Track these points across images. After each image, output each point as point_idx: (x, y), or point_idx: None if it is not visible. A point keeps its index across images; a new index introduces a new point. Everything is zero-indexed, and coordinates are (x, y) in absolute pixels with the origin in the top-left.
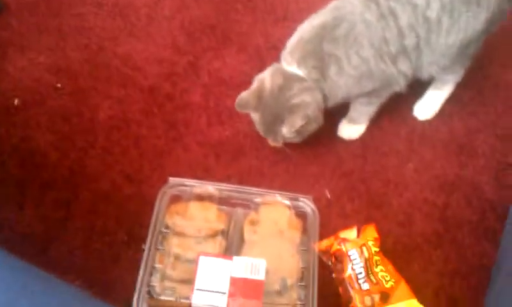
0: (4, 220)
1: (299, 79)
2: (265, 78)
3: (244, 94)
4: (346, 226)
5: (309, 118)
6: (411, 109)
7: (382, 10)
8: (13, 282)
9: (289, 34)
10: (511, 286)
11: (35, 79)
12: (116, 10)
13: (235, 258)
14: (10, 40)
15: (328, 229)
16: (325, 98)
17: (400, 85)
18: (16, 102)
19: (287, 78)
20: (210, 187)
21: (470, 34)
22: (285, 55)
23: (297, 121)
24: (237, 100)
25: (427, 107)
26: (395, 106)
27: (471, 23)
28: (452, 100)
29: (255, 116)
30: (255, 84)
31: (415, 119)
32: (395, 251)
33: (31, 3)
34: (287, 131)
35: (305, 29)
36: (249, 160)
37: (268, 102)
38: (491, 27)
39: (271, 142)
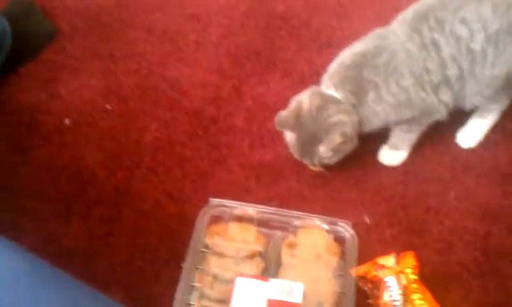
0: (51, 234)
1: (336, 101)
2: (303, 99)
3: (283, 113)
4: (385, 252)
5: (346, 136)
6: (454, 136)
7: (425, 41)
8: (64, 297)
9: (332, 61)
10: None
11: (86, 101)
12: (165, 36)
13: (271, 280)
14: (63, 64)
15: (366, 254)
16: (360, 122)
17: (441, 114)
18: (67, 121)
19: (325, 99)
20: (249, 209)
21: None
22: (324, 79)
23: (336, 139)
24: (276, 118)
25: (470, 135)
26: (438, 133)
27: None
28: (496, 128)
29: (291, 137)
30: (292, 104)
31: (458, 146)
32: (433, 279)
33: (84, 28)
34: (324, 150)
35: (346, 55)
36: (289, 183)
37: (305, 121)
38: None
39: (310, 166)
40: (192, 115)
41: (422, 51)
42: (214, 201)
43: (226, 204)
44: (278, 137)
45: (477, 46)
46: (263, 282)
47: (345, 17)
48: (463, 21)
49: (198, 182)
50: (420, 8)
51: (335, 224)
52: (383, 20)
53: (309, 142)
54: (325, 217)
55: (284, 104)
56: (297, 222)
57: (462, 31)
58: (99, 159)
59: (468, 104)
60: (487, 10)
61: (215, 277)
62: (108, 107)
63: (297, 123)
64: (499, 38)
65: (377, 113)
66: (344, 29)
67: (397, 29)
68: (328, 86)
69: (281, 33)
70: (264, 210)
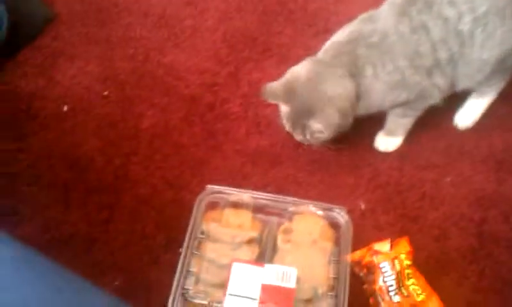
0: (51, 219)
1: (334, 71)
2: (298, 69)
3: (273, 84)
4: (380, 238)
5: (344, 112)
6: (449, 123)
7: (414, 24)
8: (48, 281)
9: None
10: None
11: (84, 87)
12: (162, 21)
13: (267, 265)
14: (61, 50)
15: (361, 240)
16: (358, 97)
17: (435, 98)
18: (65, 108)
19: (323, 66)
20: (245, 195)
21: (506, 48)
22: (319, 54)
23: (334, 116)
24: (264, 89)
25: (468, 115)
26: (433, 119)
27: (507, 37)
28: (491, 115)
29: (284, 108)
30: (287, 75)
31: (453, 133)
32: (428, 265)
33: (81, 13)
34: (318, 125)
35: (339, 34)
36: (286, 169)
37: (300, 91)
38: None
39: (303, 140)
40: (188, 101)
41: (413, 34)
42: (211, 187)
43: (222, 190)
44: (275, 123)
45: (465, 28)
46: (258, 267)
47: (341, 2)
48: (451, 2)
49: (195, 169)
50: None
51: (330, 210)
52: (380, 3)
53: (303, 114)
54: (320, 203)
55: None
56: (292, 208)
57: (450, 13)
58: (97, 146)
59: (461, 87)
60: None
61: (211, 262)
62: (105, 93)
63: (291, 93)
64: (488, 20)
65: (375, 90)
66: (340, 13)
67: (387, 12)
68: (325, 58)
69: (278, 18)
70: (259, 196)
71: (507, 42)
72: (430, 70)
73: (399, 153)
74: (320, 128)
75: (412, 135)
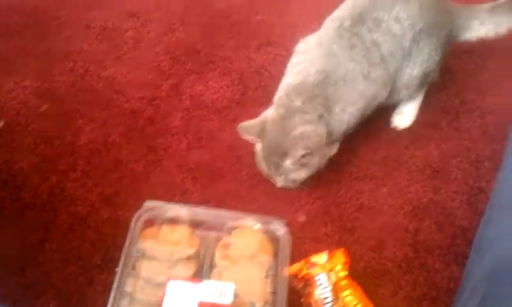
0: None
1: (302, 112)
2: (268, 111)
3: (246, 122)
4: (318, 250)
5: (311, 150)
6: (387, 135)
7: (366, 44)
8: None
9: (272, 60)
10: None
11: (20, 102)
12: (103, 33)
13: (203, 282)
14: None
15: (300, 253)
16: (329, 133)
17: (383, 96)
18: (1, 123)
19: (290, 110)
20: (182, 211)
21: (429, 65)
22: (290, 93)
23: (298, 152)
24: (240, 125)
25: (405, 116)
26: (372, 132)
27: (432, 55)
28: (428, 125)
29: (258, 146)
30: (260, 117)
31: (390, 144)
32: (365, 276)
33: (19, 26)
34: (289, 163)
35: (310, 72)
36: (227, 183)
37: (270, 132)
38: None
39: (278, 182)
40: (129, 115)
41: (366, 54)
42: (148, 203)
43: (160, 207)
44: (216, 137)
45: (407, 44)
46: (195, 284)
47: (285, 14)
48: (397, 19)
49: (134, 185)
50: (354, 11)
51: (269, 223)
52: (322, 15)
53: (274, 153)
54: (259, 216)
55: (223, 103)
56: (231, 223)
57: (396, 29)
58: (33, 162)
59: (395, 99)
60: (414, 8)
61: (147, 281)
62: (43, 108)
63: (262, 132)
64: (420, 38)
65: (343, 121)
66: (284, 25)
67: (338, 38)
68: (294, 100)
69: (222, 31)
70: (197, 211)
71: (431, 59)
72: (384, 79)
73: (337, 165)
74: (293, 167)
75: (350, 148)
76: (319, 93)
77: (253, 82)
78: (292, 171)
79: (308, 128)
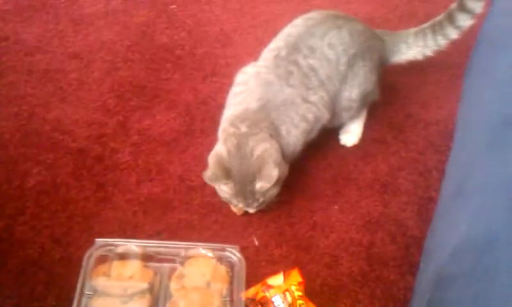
0: None
1: (253, 134)
2: (218, 149)
3: (208, 171)
4: (274, 272)
5: (277, 164)
6: (335, 153)
7: (304, 70)
8: None
9: (218, 89)
10: None
11: None
12: (47, 76)
13: None
14: None
15: (256, 276)
16: (282, 151)
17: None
18: None
19: (242, 136)
20: (133, 245)
21: (366, 87)
22: (234, 122)
23: (273, 172)
24: (205, 177)
25: (351, 133)
26: (321, 152)
27: (368, 77)
28: (375, 141)
29: (227, 187)
30: (211, 160)
31: (339, 163)
32: (322, 293)
33: None
34: (263, 185)
35: (249, 101)
36: (178, 214)
37: (234, 165)
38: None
39: (252, 210)
40: (76, 155)
41: (304, 79)
42: (99, 241)
43: (111, 243)
44: (166, 170)
45: (342, 68)
46: None
47: (228, 45)
48: (330, 45)
49: (84, 223)
50: (290, 40)
51: (222, 250)
52: (264, 44)
53: (246, 182)
54: (212, 244)
55: (171, 135)
56: (184, 253)
57: (330, 54)
58: None
59: (336, 123)
60: (345, 35)
61: None
62: None
63: (225, 171)
64: (355, 61)
65: (289, 143)
66: (228, 57)
67: (275, 68)
68: (240, 128)
69: (166, 65)
70: (149, 244)
71: (368, 81)
72: (325, 103)
73: (289, 186)
74: (266, 186)
75: (300, 168)
76: (263, 117)
77: (200, 113)
78: (268, 190)
79: (266, 145)
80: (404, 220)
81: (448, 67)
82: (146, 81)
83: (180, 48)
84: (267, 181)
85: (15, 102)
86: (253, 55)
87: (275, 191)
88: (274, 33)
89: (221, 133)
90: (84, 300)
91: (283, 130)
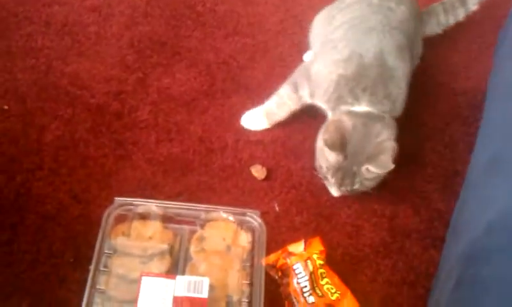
0: None
1: (379, 117)
2: (342, 119)
3: (329, 135)
4: (295, 239)
5: (393, 158)
6: None
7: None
8: None
9: (239, 49)
10: (445, 293)
11: None
12: (65, 29)
13: (178, 277)
14: None
15: (277, 243)
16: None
17: None
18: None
19: (367, 115)
20: (153, 206)
21: None
22: (354, 90)
23: (389, 163)
24: (325, 140)
25: None
26: None
27: None
28: None
29: (334, 158)
30: (332, 124)
31: None
32: (343, 263)
33: None
34: (373, 170)
35: (342, 70)
36: (198, 176)
37: (353, 140)
38: None
39: (339, 194)
40: (95, 111)
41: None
42: (119, 200)
43: (131, 202)
44: (186, 130)
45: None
46: (169, 280)
47: (250, 3)
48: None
49: (103, 181)
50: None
51: (243, 214)
52: (288, 4)
53: (355, 162)
54: (233, 208)
55: (190, 95)
56: (204, 216)
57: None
58: None
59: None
60: None
61: (121, 278)
62: (5, 107)
63: (344, 143)
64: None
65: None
66: (250, 15)
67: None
68: (357, 102)
69: (187, 21)
70: (169, 205)
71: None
72: None
73: (310, 152)
74: (374, 172)
75: None
76: (380, 80)
77: (220, 73)
78: (369, 180)
79: (392, 136)
80: (428, 192)
81: (478, 36)
82: (166, 38)
83: (201, 5)
84: (380, 168)
85: (32, 54)
86: (276, 15)
87: (373, 183)
88: None
89: (334, 101)
90: (103, 259)
91: (392, 87)
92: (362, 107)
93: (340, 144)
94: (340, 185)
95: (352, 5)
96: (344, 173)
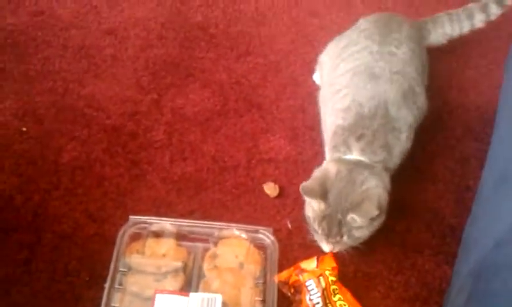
0: None
1: (368, 166)
2: (328, 167)
3: (307, 182)
4: (307, 256)
5: (382, 209)
6: None
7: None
8: None
9: (252, 69)
10: None
11: (1, 124)
12: (82, 52)
13: (191, 294)
14: None
15: (289, 260)
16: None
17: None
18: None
19: (355, 163)
20: (167, 224)
21: None
22: (347, 140)
23: (373, 210)
24: (301, 187)
25: None
26: None
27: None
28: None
29: (317, 206)
30: (316, 174)
31: None
32: (356, 279)
33: None
34: (357, 219)
35: (341, 121)
36: (211, 194)
37: (335, 188)
38: None
39: (329, 248)
40: (110, 132)
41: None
42: (134, 218)
43: (145, 220)
44: (199, 149)
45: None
46: (183, 297)
47: (262, 24)
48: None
49: (118, 200)
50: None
51: (256, 232)
52: (299, 24)
53: (339, 210)
54: (246, 225)
55: (204, 115)
56: (217, 233)
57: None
58: (15, 184)
59: None
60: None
61: (135, 295)
62: (24, 129)
63: (325, 190)
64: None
65: (404, 149)
66: (262, 36)
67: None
68: (349, 151)
69: (200, 43)
70: (183, 223)
71: None
72: None
73: None
74: (358, 221)
75: None
76: (377, 128)
77: (233, 93)
78: (357, 229)
79: (379, 183)
80: (440, 208)
81: (488, 52)
82: (180, 59)
83: (214, 27)
84: (363, 215)
85: (50, 77)
86: (288, 35)
87: (361, 236)
88: (309, 13)
89: (330, 151)
90: (118, 276)
91: (391, 139)
92: (353, 156)
93: (320, 191)
94: (327, 235)
95: (353, 54)
96: (329, 221)
